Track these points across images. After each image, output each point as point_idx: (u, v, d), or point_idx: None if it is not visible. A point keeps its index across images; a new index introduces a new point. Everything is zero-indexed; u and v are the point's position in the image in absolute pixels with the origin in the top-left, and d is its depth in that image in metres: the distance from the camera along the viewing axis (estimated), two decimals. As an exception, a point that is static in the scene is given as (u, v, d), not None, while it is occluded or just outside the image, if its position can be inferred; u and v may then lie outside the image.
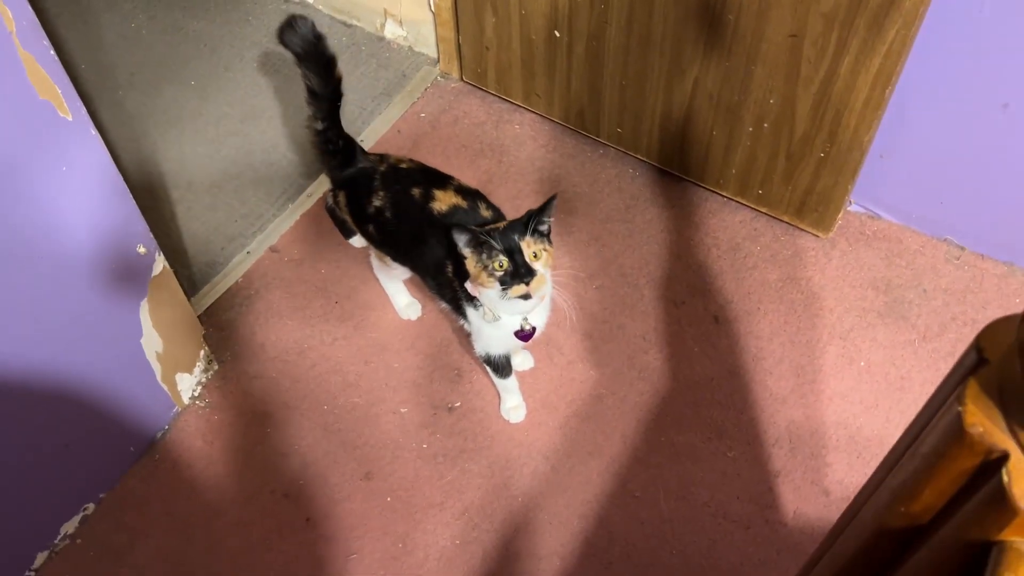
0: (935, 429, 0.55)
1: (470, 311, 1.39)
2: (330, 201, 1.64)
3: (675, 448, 1.51)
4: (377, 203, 1.45)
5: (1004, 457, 0.49)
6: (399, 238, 1.47)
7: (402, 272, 1.59)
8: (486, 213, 1.41)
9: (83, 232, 1.21)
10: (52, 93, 1.07)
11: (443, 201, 1.39)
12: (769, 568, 1.38)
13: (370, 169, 1.49)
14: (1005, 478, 0.48)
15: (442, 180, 1.45)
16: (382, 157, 1.52)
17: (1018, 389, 0.49)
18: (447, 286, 1.41)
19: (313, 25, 1.45)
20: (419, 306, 1.68)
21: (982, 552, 0.52)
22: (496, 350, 1.44)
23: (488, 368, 1.48)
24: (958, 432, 0.51)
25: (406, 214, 1.43)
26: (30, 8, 1.02)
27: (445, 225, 1.34)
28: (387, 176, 1.46)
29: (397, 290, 1.68)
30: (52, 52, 1.06)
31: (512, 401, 1.54)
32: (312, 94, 1.50)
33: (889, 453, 0.67)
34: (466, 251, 1.28)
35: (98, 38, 2.21)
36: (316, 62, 1.46)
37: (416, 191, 1.42)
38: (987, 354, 0.53)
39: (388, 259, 1.54)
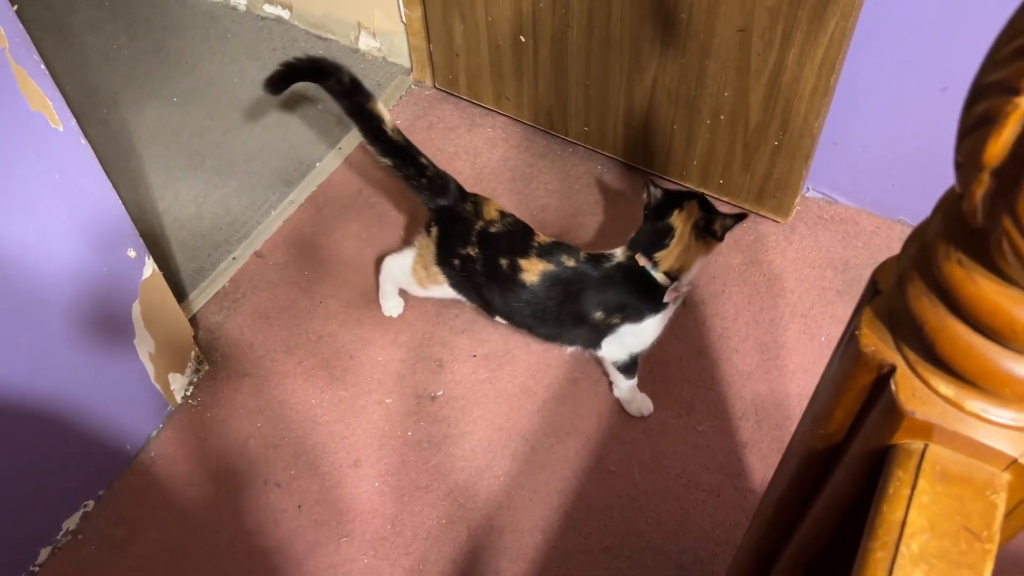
0: (840, 354, 0.63)
1: (648, 321, 1.48)
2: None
3: (647, 425, 1.58)
4: (471, 252, 1.52)
5: (892, 370, 0.57)
6: (492, 293, 1.52)
7: (430, 292, 1.64)
8: (570, 262, 1.49)
9: (76, 237, 1.28)
10: (43, 104, 1.15)
11: (531, 271, 1.48)
12: (739, 531, 1.45)
13: (468, 220, 1.54)
14: (893, 387, 0.56)
15: (525, 245, 1.50)
16: (476, 205, 1.56)
17: (901, 312, 0.57)
18: (588, 330, 1.51)
19: (349, 74, 1.54)
20: (402, 304, 1.75)
21: (882, 459, 0.60)
22: (647, 345, 1.53)
23: (622, 375, 1.56)
24: (856, 353, 0.59)
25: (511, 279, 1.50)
26: (21, 26, 1.09)
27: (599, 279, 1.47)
28: (482, 237, 1.52)
29: (391, 291, 1.73)
30: (43, 66, 1.13)
31: (638, 395, 1.60)
32: (364, 135, 1.58)
33: (815, 388, 0.75)
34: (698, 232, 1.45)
35: (82, 60, 2.28)
36: (355, 108, 1.55)
37: (504, 262, 1.49)
38: (880, 286, 0.61)
39: (439, 282, 1.59)
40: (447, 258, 1.56)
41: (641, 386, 1.62)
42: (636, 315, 1.48)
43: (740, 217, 1.46)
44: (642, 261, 1.45)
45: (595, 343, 1.54)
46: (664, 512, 1.48)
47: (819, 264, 1.78)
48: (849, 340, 0.61)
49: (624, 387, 1.58)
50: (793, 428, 1.54)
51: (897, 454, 0.57)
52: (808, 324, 1.69)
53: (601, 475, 1.53)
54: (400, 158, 1.56)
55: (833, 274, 1.76)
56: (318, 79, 1.56)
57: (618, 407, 1.60)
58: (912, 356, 0.56)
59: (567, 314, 1.50)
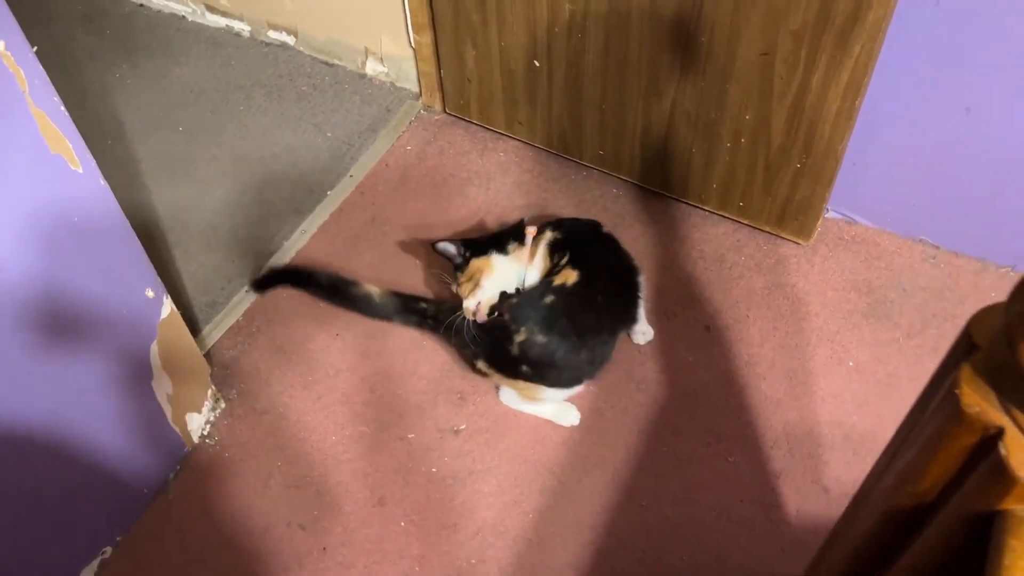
0: (935, 413, 0.60)
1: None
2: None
3: (677, 455, 1.55)
4: (522, 338, 1.49)
5: (1000, 432, 0.54)
6: (577, 352, 1.49)
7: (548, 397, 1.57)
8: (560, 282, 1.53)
9: (94, 280, 1.24)
10: (63, 147, 1.11)
11: (564, 277, 1.51)
12: (776, 566, 1.42)
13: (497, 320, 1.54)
14: (1003, 451, 0.53)
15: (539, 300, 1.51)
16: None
17: (1006, 370, 0.54)
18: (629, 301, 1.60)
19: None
20: (573, 408, 1.60)
21: (986, 523, 0.57)
22: None
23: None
24: (957, 413, 0.56)
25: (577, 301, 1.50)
26: (41, 67, 1.06)
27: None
28: (517, 307, 1.51)
29: (549, 410, 1.60)
30: (63, 108, 1.10)
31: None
32: (365, 314, 1.72)
33: (892, 440, 0.72)
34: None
35: (82, 90, 2.25)
36: (345, 299, 1.70)
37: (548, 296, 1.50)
38: (977, 340, 0.58)
39: (543, 391, 1.54)
40: (513, 369, 1.52)
41: (667, 414, 1.59)
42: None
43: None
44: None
45: (632, 316, 1.61)
46: (697, 546, 1.45)
47: (842, 286, 1.76)
48: (946, 397, 0.58)
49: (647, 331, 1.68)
50: (826, 457, 1.52)
51: (1009, 521, 0.54)
52: (835, 349, 1.67)
53: (631, 508, 1.50)
54: (405, 315, 1.66)
55: (857, 296, 1.74)
56: (299, 285, 1.71)
57: (646, 437, 1.57)
58: (1023, 418, 0.54)
59: (612, 306, 1.54)
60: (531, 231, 1.59)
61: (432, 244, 1.60)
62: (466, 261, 1.58)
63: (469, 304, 1.56)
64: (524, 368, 1.51)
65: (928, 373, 1.64)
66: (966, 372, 0.57)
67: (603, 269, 1.55)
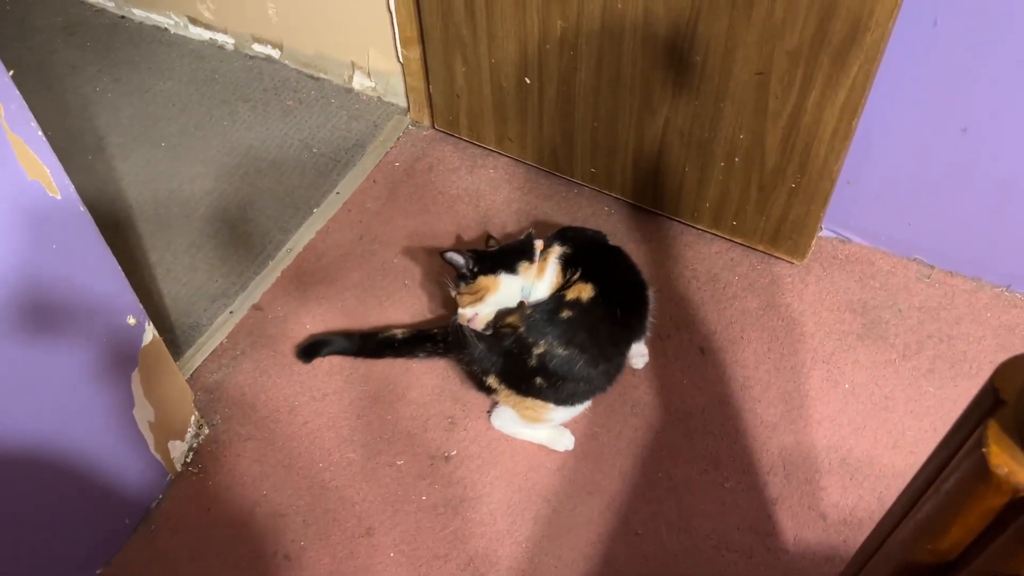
0: (960, 469, 0.57)
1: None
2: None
3: (673, 481, 1.52)
4: (541, 350, 1.45)
5: (1031, 495, 0.52)
6: (592, 367, 1.47)
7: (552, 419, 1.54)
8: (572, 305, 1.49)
9: (75, 307, 1.20)
10: (40, 173, 1.07)
11: (578, 291, 1.48)
12: (775, 596, 1.40)
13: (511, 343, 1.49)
14: (1035, 516, 0.51)
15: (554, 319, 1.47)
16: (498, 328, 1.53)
17: (1040, 429, 0.52)
18: (640, 312, 1.58)
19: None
20: (567, 433, 1.57)
21: (1013, 586, 0.54)
22: None
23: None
24: (984, 473, 0.54)
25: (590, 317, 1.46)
26: (17, 92, 1.02)
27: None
28: (534, 321, 1.47)
29: (544, 435, 1.57)
30: (40, 133, 1.06)
31: None
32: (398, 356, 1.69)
33: (907, 488, 0.70)
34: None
35: (63, 103, 2.20)
36: (375, 349, 1.69)
37: (564, 312, 1.46)
38: (1004, 395, 0.56)
39: (547, 410, 1.50)
40: (528, 383, 1.48)
41: (662, 439, 1.57)
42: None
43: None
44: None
45: (642, 329, 1.59)
46: (695, 575, 1.42)
47: (837, 307, 1.74)
48: (972, 455, 0.56)
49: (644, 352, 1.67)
50: (823, 482, 1.50)
51: (1040, 589, 0.52)
52: (831, 371, 1.64)
53: (628, 537, 1.46)
54: (426, 346, 1.64)
55: (852, 317, 1.72)
56: (333, 347, 1.68)
57: (641, 462, 1.54)
58: (1056, 482, 0.51)
59: (627, 320, 1.53)
60: (539, 244, 1.56)
61: (440, 253, 1.56)
62: (473, 276, 1.54)
63: (465, 312, 1.54)
64: (539, 381, 1.46)
65: (925, 395, 1.62)
66: (993, 429, 0.54)
67: (617, 282, 1.53)
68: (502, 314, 1.54)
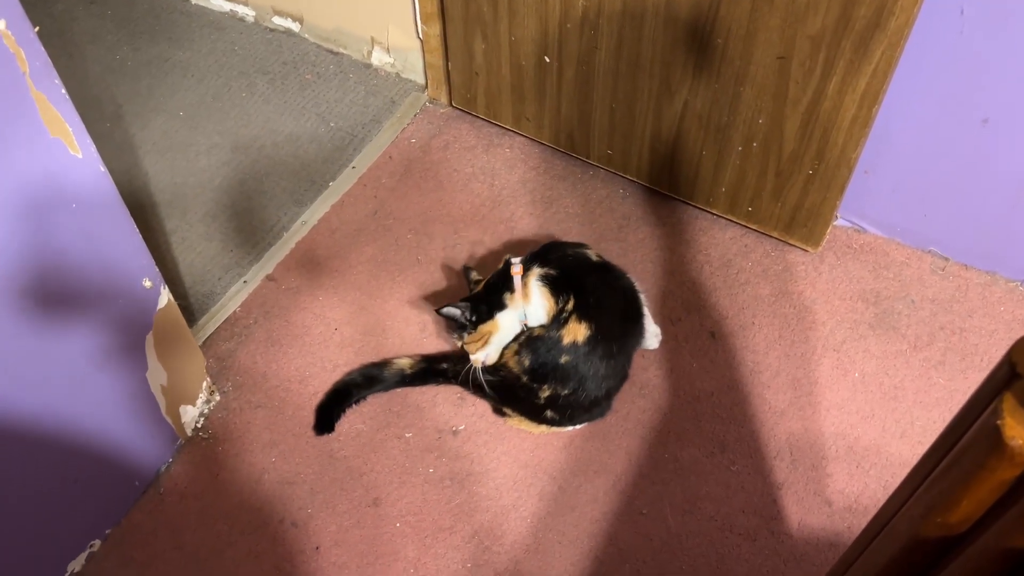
0: (973, 443, 0.58)
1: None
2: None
3: (679, 463, 1.53)
4: (548, 392, 1.47)
5: (1045, 468, 0.52)
6: (594, 381, 1.47)
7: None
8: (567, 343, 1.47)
9: (92, 268, 1.21)
10: (63, 131, 1.08)
11: (573, 333, 1.45)
12: (777, 579, 1.40)
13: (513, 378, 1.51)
14: (1047, 488, 0.51)
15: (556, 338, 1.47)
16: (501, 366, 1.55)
17: (1054, 403, 0.52)
18: (636, 317, 1.56)
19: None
20: None
21: (1021, 559, 0.55)
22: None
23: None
24: (998, 445, 0.54)
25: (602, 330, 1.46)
26: (42, 48, 1.03)
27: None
28: (535, 368, 1.47)
29: None
30: (63, 91, 1.06)
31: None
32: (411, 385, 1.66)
33: (918, 465, 0.70)
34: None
35: (83, 71, 2.20)
36: (385, 383, 1.64)
37: (558, 332, 1.46)
38: (1020, 369, 0.56)
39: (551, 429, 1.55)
40: (539, 415, 1.52)
41: (670, 421, 1.57)
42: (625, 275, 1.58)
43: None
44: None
45: (642, 329, 1.58)
46: (699, 557, 1.43)
47: (850, 296, 1.73)
48: (986, 428, 0.56)
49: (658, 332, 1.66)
50: (829, 469, 1.50)
51: (1049, 561, 0.52)
52: (841, 359, 1.64)
53: (632, 517, 1.47)
54: (434, 377, 1.62)
55: (864, 307, 1.72)
56: (346, 400, 1.61)
57: (648, 444, 1.55)
58: (1070, 455, 0.51)
59: (625, 346, 1.52)
60: (516, 271, 1.52)
61: (437, 310, 1.56)
62: (473, 326, 1.54)
63: (478, 357, 1.53)
64: (550, 414, 1.50)
65: (935, 386, 1.62)
66: (1009, 403, 0.54)
67: (609, 312, 1.49)
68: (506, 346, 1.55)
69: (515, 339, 1.53)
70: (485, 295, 1.55)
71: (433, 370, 1.60)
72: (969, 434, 0.59)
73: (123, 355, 1.33)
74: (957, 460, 0.60)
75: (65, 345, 1.21)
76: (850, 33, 1.40)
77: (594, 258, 1.58)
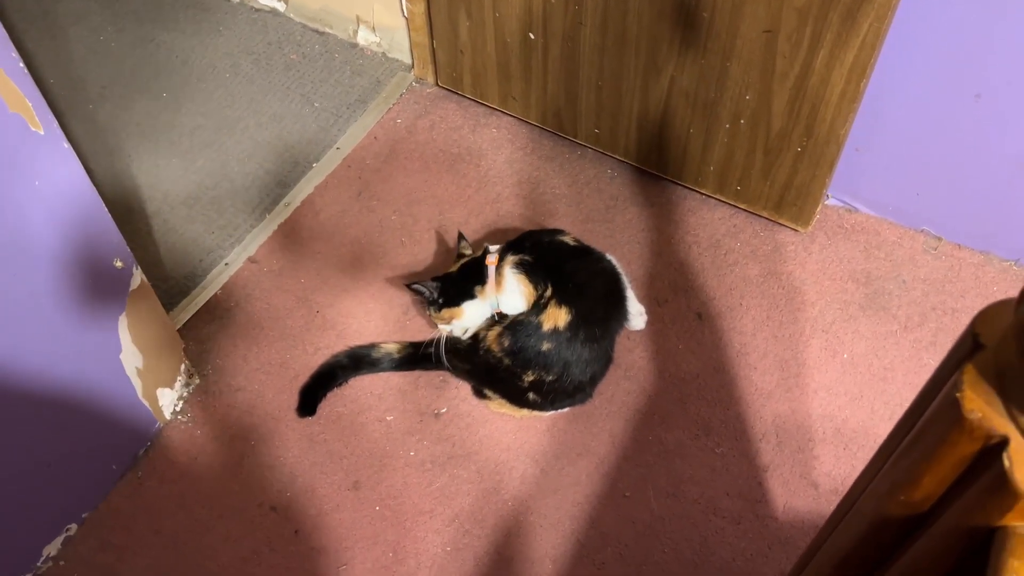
0: (934, 417, 0.55)
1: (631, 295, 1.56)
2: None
3: (664, 446, 1.51)
4: (531, 378, 1.45)
5: (1004, 442, 0.49)
6: (575, 367, 1.46)
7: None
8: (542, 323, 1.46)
9: (58, 247, 1.19)
10: (23, 106, 1.05)
11: (554, 319, 1.43)
12: (761, 562, 1.38)
13: (493, 360, 1.48)
14: (1006, 463, 0.48)
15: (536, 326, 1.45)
16: (479, 340, 1.52)
17: (1016, 373, 0.49)
18: (617, 302, 1.54)
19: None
20: None
21: (984, 538, 0.52)
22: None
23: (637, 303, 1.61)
24: (957, 418, 0.51)
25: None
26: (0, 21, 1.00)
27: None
28: (518, 353, 1.45)
29: None
30: (22, 64, 1.04)
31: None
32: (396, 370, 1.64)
33: (885, 442, 0.67)
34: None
35: (67, 52, 2.18)
36: (368, 365, 1.63)
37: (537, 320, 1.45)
38: (983, 339, 0.53)
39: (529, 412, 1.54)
40: (522, 399, 1.51)
41: (655, 403, 1.55)
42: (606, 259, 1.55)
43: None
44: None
45: (625, 311, 1.55)
46: (682, 540, 1.41)
47: (840, 276, 1.71)
48: (947, 401, 0.53)
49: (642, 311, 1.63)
50: (816, 451, 1.48)
51: (1009, 539, 0.49)
52: (830, 340, 1.61)
53: (615, 500, 1.45)
54: (421, 363, 1.59)
55: (855, 287, 1.69)
56: (330, 383, 1.58)
57: (632, 426, 1.52)
58: (1030, 427, 0.49)
59: (608, 329, 1.50)
60: (491, 261, 1.51)
61: (407, 285, 1.58)
62: (439, 306, 1.53)
63: (443, 328, 1.55)
64: (532, 397, 1.48)
65: (926, 368, 1.59)
66: (970, 374, 0.52)
67: (590, 296, 1.47)
68: (482, 327, 1.53)
69: (500, 322, 1.50)
70: (458, 278, 1.54)
71: (421, 355, 1.58)
72: (932, 407, 0.57)
73: (95, 337, 1.31)
74: (920, 436, 0.58)
75: (32, 325, 1.19)
76: (837, 5, 1.37)
77: (571, 243, 1.56)
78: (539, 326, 1.43)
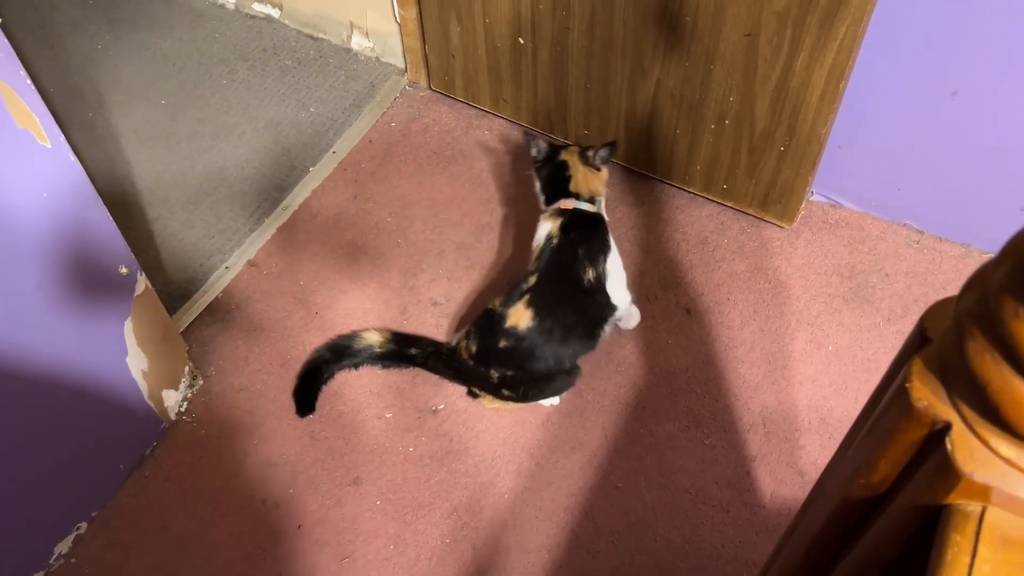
0: (889, 405, 0.60)
1: (611, 260, 1.55)
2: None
3: (654, 438, 1.55)
4: (496, 375, 1.51)
5: (947, 428, 0.54)
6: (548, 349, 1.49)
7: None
8: (532, 280, 1.51)
9: (65, 256, 1.23)
10: (30, 122, 1.10)
11: (518, 317, 1.48)
12: (749, 549, 1.43)
13: (464, 364, 1.55)
14: (949, 446, 0.53)
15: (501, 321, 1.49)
16: (457, 347, 1.58)
17: (956, 365, 0.54)
18: (598, 295, 1.53)
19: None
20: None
21: (934, 515, 0.57)
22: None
23: (629, 304, 1.63)
24: (906, 407, 0.56)
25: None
26: (6, 39, 1.04)
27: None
28: (478, 352, 1.50)
29: None
30: (29, 81, 1.08)
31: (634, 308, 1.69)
32: (375, 365, 1.68)
33: (851, 429, 0.72)
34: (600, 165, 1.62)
35: (64, 61, 2.22)
36: (351, 357, 1.66)
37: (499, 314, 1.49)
38: (930, 333, 0.58)
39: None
40: (498, 394, 1.56)
41: (646, 397, 1.59)
42: (605, 246, 1.55)
43: (608, 145, 1.60)
44: (568, 204, 1.56)
45: (610, 304, 1.55)
46: (673, 529, 1.45)
47: (825, 271, 1.75)
48: (898, 391, 0.58)
49: (634, 313, 1.67)
50: (802, 441, 1.52)
51: (953, 516, 0.54)
52: (815, 333, 1.66)
53: (608, 491, 1.50)
54: (401, 361, 1.63)
55: (839, 281, 1.74)
56: (318, 379, 1.62)
57: (624, 420, 1.57)
58: (970, 414, 0.53)
59: (573, 308, 1.50)
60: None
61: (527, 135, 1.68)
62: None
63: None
64: (506, 393, 1.53)
65: (905, 359, 1.61)
66: (917, 365, 0.56)
67: (562, 298, 1.50)
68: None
69: (472, 322, 1.55)
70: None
71: (403, 354, 1.62)
72: (885, 398, 0.61)
73: (101, 341, 1.35)
74: (875, 423, 0.62)
75: (42, 333, 1.23)
76: (815, 9, 1.41)
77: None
78: (503, 320, 1.47)
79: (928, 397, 0.55)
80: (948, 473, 0.53)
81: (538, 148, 1.65)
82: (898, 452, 0.59)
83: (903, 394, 0.56)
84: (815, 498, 0.77)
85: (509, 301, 1.49)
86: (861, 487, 0.65)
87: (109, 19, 2.32)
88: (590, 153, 1.61)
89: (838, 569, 0.70)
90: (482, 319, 1.52)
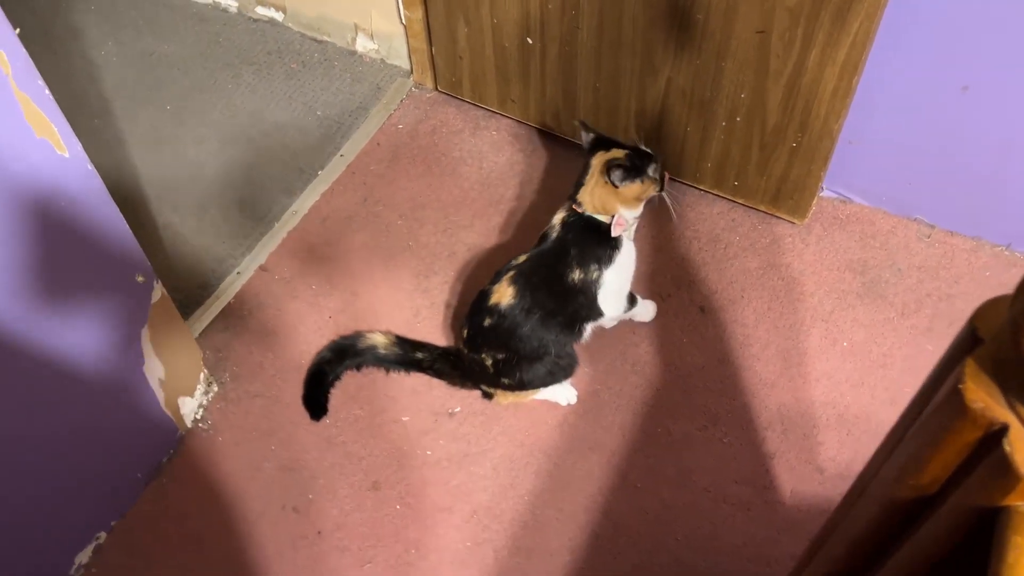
0: (939, 407, 0.60)
1: (608, 274, 1.50)
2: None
3: (672, 437, 1.55)
4: (489, 361, 1.51)
5: (1004, 429, 0.54)
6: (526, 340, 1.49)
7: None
8: (521, 258, 1.52)
9: (84, 266, 1.22)
10: (49, 131, 1.09)
11: (500, 294, 1.48)
12: (771, 547, 1.43)
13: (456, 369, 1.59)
14: (1007, 448, 0.53)
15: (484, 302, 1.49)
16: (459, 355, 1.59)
17: (1012, 365, 0.54)
18: (582, 298, 1.50)
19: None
20: (572, 390, 1.61)
21: (988, 517, 0.57)
22: (630, 282, 1.58)
23: (634, 307, 1.61)
24: (961, 408, 0.56)
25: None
26: (24, 50, 1.04)
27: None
28: (468, 336, 1.52)
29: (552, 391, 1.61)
30: (47, 92, 1.07)
31: (649, 303, 1.69)
32: (377, 367, 1.67)
33: (892, 431, 0.72)
34: (628, 180, 1.47)
35: (68, 67, 2.21)
36: (354, 357, 1.65)
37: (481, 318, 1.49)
38: (981, 333, 0.57)
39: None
40: (500, 384, 1.56)
41: (662, 396, 1.59)
42: (603, 258, 1.50)
43: (624, 168, 1.46)
44: (578, 207, 1.52)
45: (596, 309, 1.52)
46: (693, 528, 1.45)
47: (837, 266, 1.75)
48: (950, 392, 0.58)
49: (644, 312, 1.67)
50: (820, 437, 1.52)
51: (1013, 518, 0.54)
52: (829, 329, 1.66)
53: (627, 491, 1.50)
54: (406, 365, 1.62)
55: (852, 276, 1.74)
56: (324, 381, 1.61)
57: (641, 419, 1.57)
58: (1028, 415, 0.53)
59: (554, 297, 1.48)
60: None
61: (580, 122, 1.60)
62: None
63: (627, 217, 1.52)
64: (506, 381, 1.53)
65: (924, 353, 1.64)
66: (971, 367, 0.56)
67: (543, 285, 1.48)
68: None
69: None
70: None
71: (408, 359, 1.61)
72: (935, 399, 0.61)
73: (119, 350, 1.35)
74: (925, 424, 0.62)
75: (61, 343, 1.23)
76: (828, 5, 1.41)
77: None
78: (486, 298, 1.48)
79: (984, 399, 0.55)
80: (1007, 475, 0.53)
81: (586, 139, 1.56)
82: (950, 454, 0.59)
83: (956, 395, 0.56)
84: (855, 499, 0.77)
85: (496, 278, 1.50)
86: (909, 488, 0.65)
87: (112, 24, 2.31)
88: (612, 168, 1.45)
89: (884, 570, 0.70)
90: (474, 300, 1.53)
